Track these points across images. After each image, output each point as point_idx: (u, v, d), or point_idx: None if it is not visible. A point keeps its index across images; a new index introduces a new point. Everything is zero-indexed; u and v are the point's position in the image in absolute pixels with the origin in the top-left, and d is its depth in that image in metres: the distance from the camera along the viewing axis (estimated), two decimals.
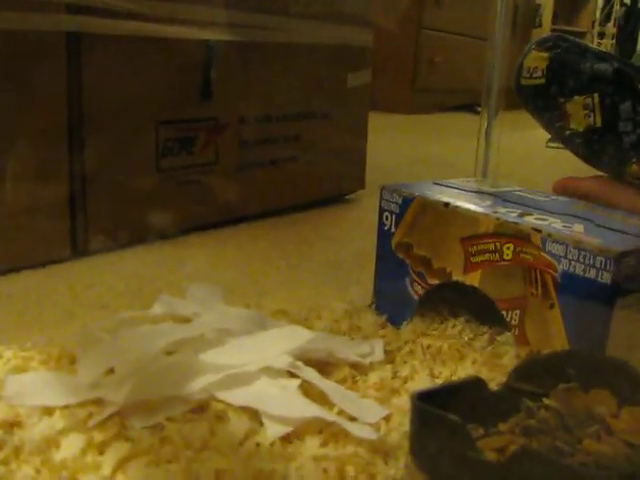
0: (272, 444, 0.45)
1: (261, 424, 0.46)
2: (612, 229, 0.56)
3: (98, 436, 0.44)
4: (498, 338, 0.61)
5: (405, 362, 0.56)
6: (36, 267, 0.77)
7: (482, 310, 0.61)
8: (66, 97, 0.79)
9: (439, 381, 0.54)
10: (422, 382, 0.53)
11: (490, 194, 0.64)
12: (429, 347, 0.59)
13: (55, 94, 0.78)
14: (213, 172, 0.96)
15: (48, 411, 0.46)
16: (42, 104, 0.77)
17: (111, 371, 0.49)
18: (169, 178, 0.91)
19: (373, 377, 0.53)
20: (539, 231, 0.54)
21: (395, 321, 0.64)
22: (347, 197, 1.20)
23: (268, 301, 0.69)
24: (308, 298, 0.71)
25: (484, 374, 0.54)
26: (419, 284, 0.62)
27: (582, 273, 0.51)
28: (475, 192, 0.65)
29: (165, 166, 0.90)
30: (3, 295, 0.70)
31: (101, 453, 0.43)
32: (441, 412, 0.42)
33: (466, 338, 0.60)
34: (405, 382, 0.53)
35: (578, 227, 0.55)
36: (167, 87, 0.89)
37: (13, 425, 0.45)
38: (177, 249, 0.87)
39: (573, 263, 0.52)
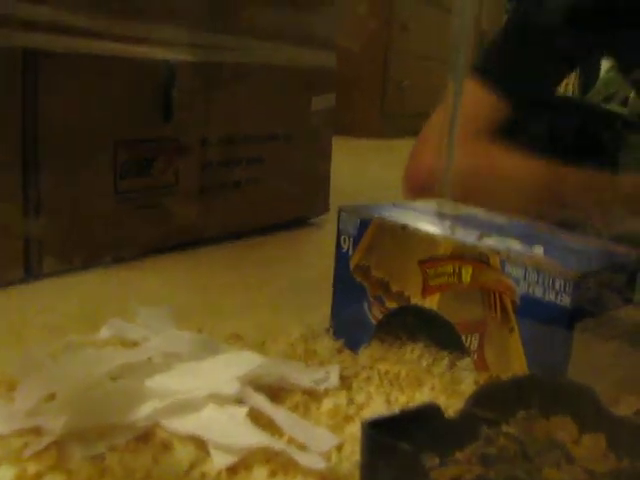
0: (218, 474, 0.43)
1: (208, 453, 0.44)
2: (572, 251, 0.55)
3: (32, 467, 0.41)
4: (458, 363, 0.59)
5: (361, 388, 0.54)
6: None
7: (442, 334, 0.60)
8: (21, 116, 0.76)
9: (396, 408, 0.52)
10: (378, 409, 0.51)
11: (449, 216, 0.63)
12: (387, 373, 0.57)
13: (9, 113, 0.76)
14: (173, 194, 0.94)
15: None
16: None
17: (52, 397, 0.47)
18: (127, 200, 0.89)
19: (327, 404, 0.51)
20: (498, 253, 0.52)
21: (353, 346, 0.62)
22: (311, 221, 1.18)
23: (224, 325, 0.67)
24: (265, 322, 0.69)
25: (442, 401, 0.53)
26: (377, 308, 0.61)
27: (541, 296, 0.50)
28: (434, 214, 0.63)
29: (123, 188, 0.88)
30: None
31: None
32: (392, 441, 0.40)
33: (425, 363, 0.59)
34: (360, 409, 0.52)
35: (538, 249, 0.54)
36: (126, 107, 0.88)
37: None
38: (134, 272, 0.85)
39: (532, 286, 0.51)
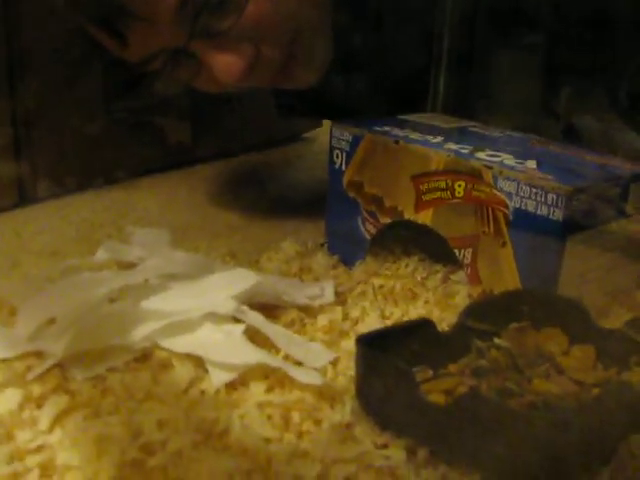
0: (217, 391, 0.44)
1: (206, 371, 0.45)
2: (566, 166, 0.55)
3: (36, 390, 0.42)
4: (452, 277, 0.60)
5: (356, 303, 0.55)
6: None
7: (436, 248, 0.60)
8: (4, 35, 0.75)
9: (390, 322, 0.53)
10: (373, 324, 0.52)
11: (443, 130, 0.62)
12: (381, 287, 0.58)
13: None
14: (165, 113, 0.93)
15: None
16: None
17: (52, 321, 0.48)
18: (118, 120, 0.88)
19: (322, 320, 0.52)
20: (490, 168, 0.52)
21: (347, 261, 0.63)
22: (304, 136, 1.17)
23: (219, 243, 0.68)
24: (260, 239, 0.69)
25: (436, 314, 0.54)
26: (371, 223, 0.61)
27: (534, 210, 0.50)
28: (428, 128, 0.63)
29: (114, 108, 0.87)
30: None
31: (39, 407, 0.41)
32: (385, 356, 0.41)
33: (419, 277, 0.59)
34: (355, 324, 0.52)
35: (531, 163, 0.54)
36: None
37: None
38: (128, 193, 0.85)
39: (525, 200, 0.51)
